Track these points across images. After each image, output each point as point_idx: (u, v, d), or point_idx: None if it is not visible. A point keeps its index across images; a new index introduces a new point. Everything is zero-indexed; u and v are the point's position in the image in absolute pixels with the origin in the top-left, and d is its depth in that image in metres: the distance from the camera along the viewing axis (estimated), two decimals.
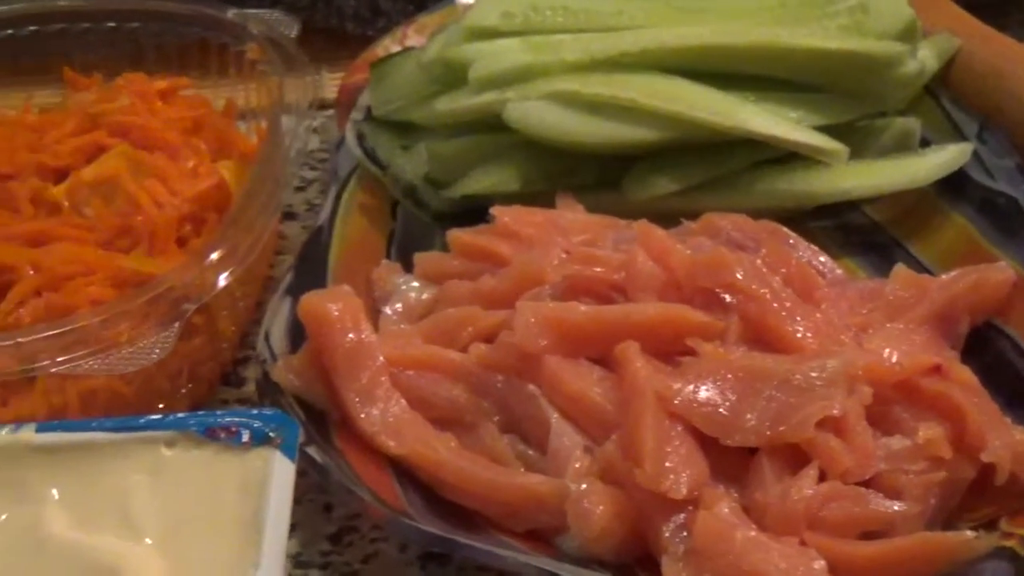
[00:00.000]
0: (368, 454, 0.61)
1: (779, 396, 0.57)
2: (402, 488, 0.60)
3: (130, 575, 0.48)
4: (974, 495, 0.58)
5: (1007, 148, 0.74)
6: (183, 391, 0.67)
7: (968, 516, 0.58)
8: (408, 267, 0.72)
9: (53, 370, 0.59)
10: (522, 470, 0.60)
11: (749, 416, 0.56)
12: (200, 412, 0.55)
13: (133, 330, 0.60)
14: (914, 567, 0.54)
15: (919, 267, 0.70)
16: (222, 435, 0.52)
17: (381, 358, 0.62)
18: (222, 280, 0.63)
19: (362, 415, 0.61)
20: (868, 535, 0.56)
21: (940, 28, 0.81)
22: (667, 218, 0.69)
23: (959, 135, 0.76)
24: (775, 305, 0.61)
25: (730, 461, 0.57)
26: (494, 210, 0.71)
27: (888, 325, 0.63)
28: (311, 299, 0.63)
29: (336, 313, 0.62)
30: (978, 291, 0.65)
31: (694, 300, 0.62)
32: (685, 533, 0.54)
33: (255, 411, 0.54)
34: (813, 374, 0.57)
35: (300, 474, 0.53)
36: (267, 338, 0.66)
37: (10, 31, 0.83)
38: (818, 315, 0.62)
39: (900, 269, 0.67)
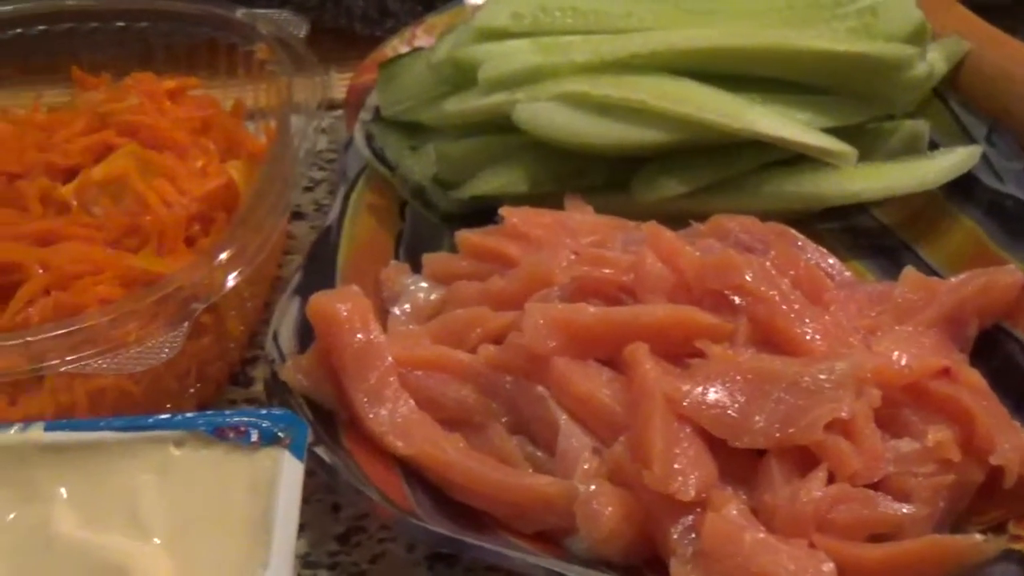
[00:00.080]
0: (376, 454, 0.61)
1: (788, 398, 0.57)
2: (410, 488, 0.60)
3: (138, 574, 0.49)
4: (983, 498, 0.58)
5: (1016, 151, 0.74)
6: (191, 391, 0.67)
7: (977, 519, 0.58)
8: (416, 268, 0.72)
9: (62, 369, 0.59)
10: (531, 471, 0.60)
11: (758, 418, 0.56)
12: (209, 412, 0.55)
13: (142, 329, 0.60)
14: (923, 570, 0.54)
15: (928, 270, 0.70)
16: (231, 435, 0.52)
17: (390, 358, 0.62)
18: (231, 280, 0.63)
19: (371, 415, 0.61)
20: (877, 537, 0.56)
21: (949, 31, 0.81)
22: (676, 220, 0.69)
23: (968, 138, 0.76)
24: (784, 307, 0.61)
25: (739, 463, 0.57)
26: (503, 211, 0.71)
27: (897, 328, 0.63)
28: (320, 299, 0.63)
29: (345, 313, 0.62)
30: (987, 294, 0.65)
31: (703, 302, 0.62)
32: (694, 535, 0.54)
33: (264, 411, 0.54)
34: (822, 376, 0.57)
35: (308, 474, 0.53)
36: (276, 338, 0.65)
37: (19, 30, 0.83)
38: (827, 317, 0.62)
39: (909, 272, 0.67)
